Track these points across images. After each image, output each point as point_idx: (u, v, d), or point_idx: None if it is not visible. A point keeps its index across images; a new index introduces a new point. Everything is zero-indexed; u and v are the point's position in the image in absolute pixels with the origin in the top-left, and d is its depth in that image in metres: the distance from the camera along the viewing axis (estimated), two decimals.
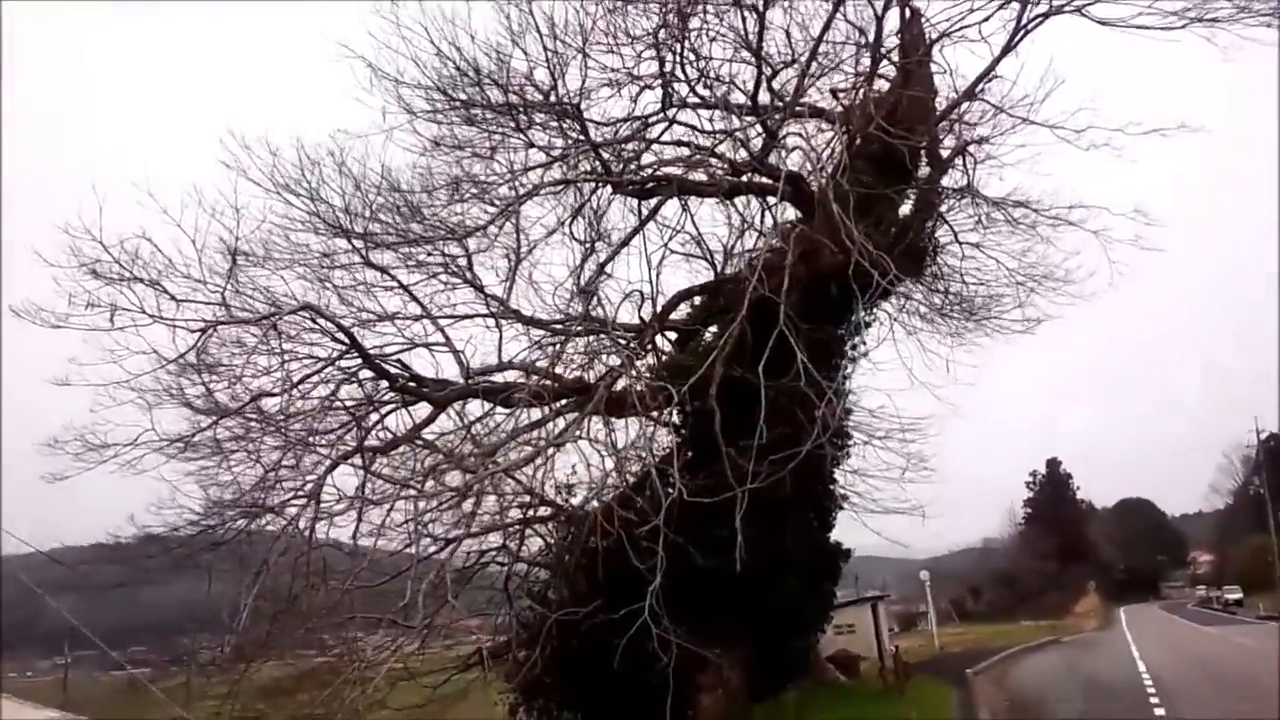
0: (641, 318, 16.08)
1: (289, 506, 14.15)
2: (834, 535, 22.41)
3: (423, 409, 16.36)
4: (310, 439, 14.38)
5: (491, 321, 16.59)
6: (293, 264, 15.31)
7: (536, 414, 15.67)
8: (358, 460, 14.73)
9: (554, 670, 19.22)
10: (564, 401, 15.32)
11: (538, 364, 16.63)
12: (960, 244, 20.57)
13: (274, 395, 13.31)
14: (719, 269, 18.56)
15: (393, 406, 15.96)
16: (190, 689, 13.68)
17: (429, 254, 16.38)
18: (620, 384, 16.39)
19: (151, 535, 14.03)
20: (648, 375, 16.27)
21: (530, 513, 20.04)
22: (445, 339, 16.03)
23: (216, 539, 14.40)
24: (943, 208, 20.44)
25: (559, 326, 15.35)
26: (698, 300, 19.10)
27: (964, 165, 18.91)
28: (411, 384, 16.18)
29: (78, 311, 12.38)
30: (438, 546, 15.18)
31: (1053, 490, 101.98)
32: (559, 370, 16.59)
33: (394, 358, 16.55)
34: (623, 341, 14.67)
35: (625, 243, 15.20)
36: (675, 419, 20.58)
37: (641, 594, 19.41)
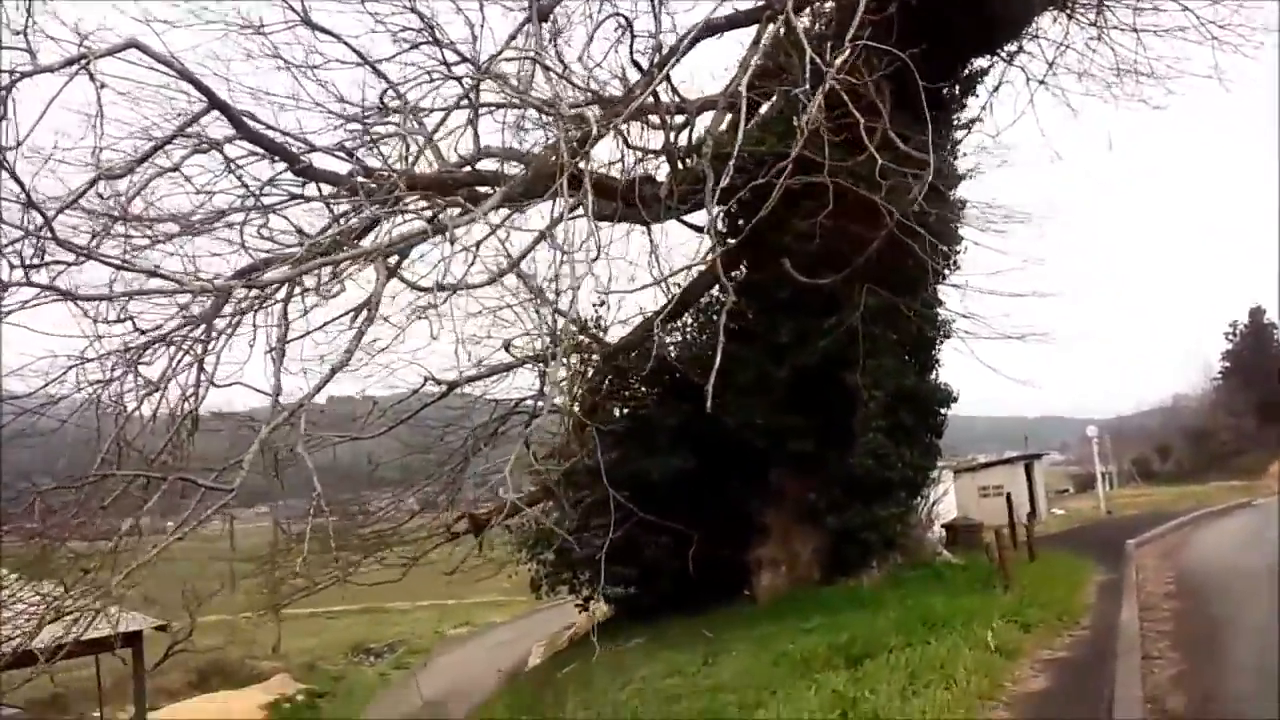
0: (637, 62, 11.59)
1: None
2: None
3: None
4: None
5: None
6: None
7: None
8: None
9: (584, 539, 15.87)
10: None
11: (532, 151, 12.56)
12: None
13: (116, 176, 9.69)
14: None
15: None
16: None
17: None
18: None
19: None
20: (650, 152, 11.97)
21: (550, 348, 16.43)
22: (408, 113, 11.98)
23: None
24: None
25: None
26: (754, 63, 14.28)
27: None
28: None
29: None
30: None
31: (1255, 342, 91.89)
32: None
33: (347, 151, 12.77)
34: (594, 98, 10.23)
35: None
36: (721, 225, 16.28)
37: (675, 449, 15.78)
